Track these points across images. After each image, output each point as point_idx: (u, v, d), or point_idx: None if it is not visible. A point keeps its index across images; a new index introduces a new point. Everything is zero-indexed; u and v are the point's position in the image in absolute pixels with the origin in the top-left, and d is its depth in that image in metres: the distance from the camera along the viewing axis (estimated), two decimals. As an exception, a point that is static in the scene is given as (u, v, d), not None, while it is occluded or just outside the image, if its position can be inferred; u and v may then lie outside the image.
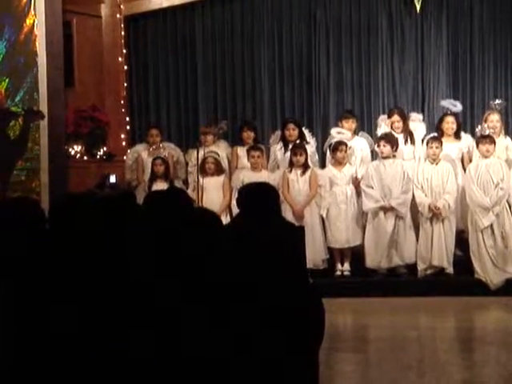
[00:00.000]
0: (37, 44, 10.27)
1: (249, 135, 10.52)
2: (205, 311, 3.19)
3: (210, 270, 3.31)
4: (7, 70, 10.27)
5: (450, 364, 6.85)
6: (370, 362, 7.19)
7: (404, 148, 10.19)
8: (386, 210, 9.71)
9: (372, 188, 9.77)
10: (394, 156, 9.91)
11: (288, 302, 3.60)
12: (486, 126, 10.00)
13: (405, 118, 10.35)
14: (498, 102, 10.28)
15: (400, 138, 10.15)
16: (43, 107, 10.30)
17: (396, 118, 10.30)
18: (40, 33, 10.25)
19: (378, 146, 9.94)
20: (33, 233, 3.64)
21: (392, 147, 9.85)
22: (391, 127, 10.27)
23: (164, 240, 3.40)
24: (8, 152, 10.26)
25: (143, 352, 3.09)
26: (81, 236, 3.48)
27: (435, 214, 9.65)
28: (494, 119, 10.04)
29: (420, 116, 10.75)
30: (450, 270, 9.74)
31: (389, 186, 9.76)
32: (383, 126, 10.44)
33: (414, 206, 9.83)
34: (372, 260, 9.80)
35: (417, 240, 9.81)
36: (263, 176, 9.64)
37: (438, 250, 9.67)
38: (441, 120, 10.30)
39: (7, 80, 10.27)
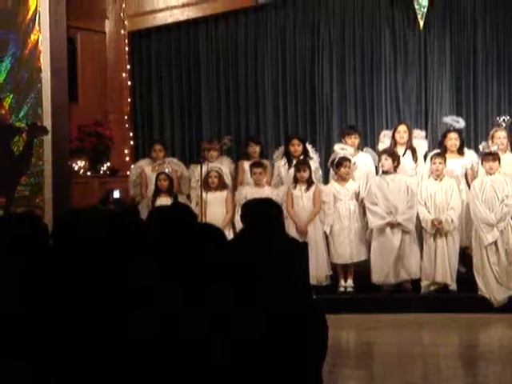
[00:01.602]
0: (41, 60, 10.30)
1: (254, 149, 10.53)
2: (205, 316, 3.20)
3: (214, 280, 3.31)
4: (11, 86, 10.29)
5: (454, 381, 6.83)
6: (374, 379, 7.17)
7: (403, 162, 10.17)
8: (393, 225, 9.70)
9: (376, 205, 9.76)
10: (395, 171, 9.91)
11: (291, 318, 3.59)
12: (490, 142, 9.99)
13: (410, 133, 10.37)
14: (504, 118, 10.26)
15: (400, 153, 10.15)
16: (47, 122, 10.32)
17: (403, 128, 10.31)
18: (44, 48, 10.29)
19: (380, 160, 9.95)
20: (36, 248, 3.64)
21: (393, 162, 9.85)
22: (395, 140, 10.26)
23: (167, 253, 3.40)
24: (12, 167, 10.27)
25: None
26: (83, 250, 3.48)
27: (438, 230, 9.64)
28: (501, 136, 10.03)
29: (423, 133, 10.76)
30: (453, 286, 9.72)
31: (393, 201, 9.75)
32: (386, 141, 10.45)
33: (418, 221, 9.82)
34: (379, 276, 9.77)
35: (421, 255, 9.79)
36: (266, 192, 9.65)
37: (442, 267, 9.65)
38: (444, 136, 10.29)
39: (11, 95, 10.30)
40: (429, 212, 9.73)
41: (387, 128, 11.03)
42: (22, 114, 10.33)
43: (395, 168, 9.88)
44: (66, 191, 10.46)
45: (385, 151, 9.98)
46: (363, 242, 9.96)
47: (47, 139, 10.33)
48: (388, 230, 9.74)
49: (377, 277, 9.78)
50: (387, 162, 9.83)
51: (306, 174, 9.93)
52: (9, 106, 10.31)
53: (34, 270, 3.45)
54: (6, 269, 3.49)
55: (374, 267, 9.79)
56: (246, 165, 10.46)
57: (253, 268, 3.45)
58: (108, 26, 11.72)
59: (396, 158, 9.91)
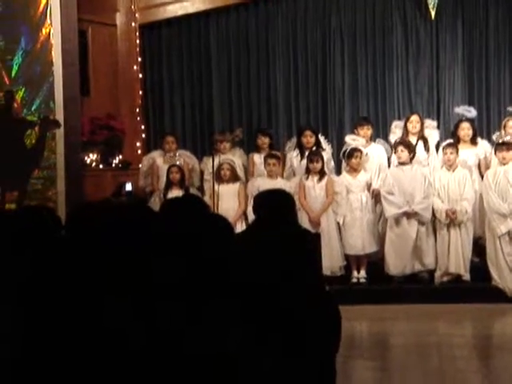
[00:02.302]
0: (53, 53, 10.31)
1: (263, 141, 10.53)
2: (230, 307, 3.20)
3: (231, 273, 3.31)
4: (23, 80, 10.31)
5: (468, 371, 6.82)
6: (387, 369, 7.16)
7: (418, 153, 10.16)
8: (409, 215, 9.68)
9: (392, 194, 9.74)
10: (411, 162, 9.88)
11: (304, 309, 3.59)
12: (503, 132, 9.96)
13: (422, 123, 10.35)
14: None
15: (413, 142, 10.13)
16: (59, 116, 10.34)
17: (415, 118, 10.29)
18: (56, 42, 10.30)
19: (396, 151, 9.92)
20: (49, 240, 3.65)
21: (409, 153, 9.83)
22: (407, 130, 10.24)
23: (183, 244, 3.39)
24: (24, 161, 10.30)
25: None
26: (96, 243, 3.48)
27: (452, 220, 9.62)
28: (513, 125, 10.01)
29: (434, 123, 10.73)
30: (466, 276, 9.69)
31: (410, 191, 9.73)
32: (397, 132, 10.43)
33: (432, 211, 9.79)
34: (395, 267, 9.74)
35: (435, 246, 9.77)
36: (279, 183, 9.63)
37: (455, 257, 9.63)
38: (456, 126, 10.26)
39: (23, 89, 10.32)
40: (442, 202, 9.70)
41: (399, 118, 11.00)
42: (34, 107, 10.35)
43: (411, 159, 9.86)
44: (78, 184, 10.49)
45: (401, 143, 9.94)
46: (375, 233, 9.94)
47: (59, 132, 10.35)
48: (404, 220, 9.71)
49: (393, 268, 9.75)
50: (404, 154, 9.80)
51: (318, 165, 9.91)
52: (21, 99, 10.33)
53: (46, 261, 3.46)
54: (17, 261, 3.49)
55: (389, 259, 9.76)
56: (257, 157, 10.46)
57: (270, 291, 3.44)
58: (119, 18, 11.73)
59: (412, 150, 9.89)
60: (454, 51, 11.46)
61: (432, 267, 9.78)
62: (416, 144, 10.19)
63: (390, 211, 9.71)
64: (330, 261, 9.50)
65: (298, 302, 3.60)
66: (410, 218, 9.69)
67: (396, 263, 9.74)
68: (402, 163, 9.85)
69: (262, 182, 9.78)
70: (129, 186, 10.33)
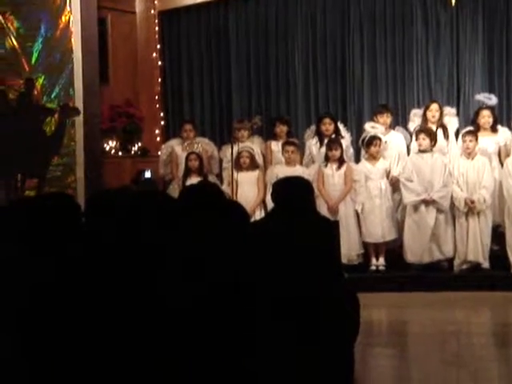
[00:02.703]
0: (72, 40, 10.35)
1: (282, 129, 10.51)
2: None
3: (244, 261, 3.31)
4: (43, 67, 10.36)
5: (487, 359, 6.81)
6: (406, 357, 7.16)
7: (438, 141, 10.13)
8: (428, 203, 9.66)
9: (411, 181, 9.72)
10: (432, 150, 9.85)
11: (323, 296, 3.60)
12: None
13: (441, 111, 10.31)
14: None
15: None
16: (79, 103, 10.38)
17: (435, 106, 10.26)
18: (75, 29, 10.34)
19: (417, 139, 9.88)
20: (69, 226, 3.67)
21: (431, 141, 9.80)
22: (426, 119, 10.20)
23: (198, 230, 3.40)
24: (44, 148, 10.35)
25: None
26: (118, 230, 3.49)
27: (471, 209, 9.59)
28: (533, 112, 9.96)
29: (453, 110, 10.68)
30: (485, 264, 9.67)
31: (429, 179, 9.70)
32: (416, 120, 10.39)
33: (450, 200, 9.76)
34: (413, 255, 9.73)
35: (454, 234, 9.75)
36: (297, 171, 9.62)
37: (474, 245, 9.60)
38: (477, 114, 10.21)
39: (43, 76, 10.37)
40: (461, 190, 9.67)
41: (418, 106, 10.95)
42: (53, 94, 10.40)
43: (432, 147, 9.83)
44: (97, 171, 10.54)
45: (422, 130, 9.90)
46: (394, 221, 9.93)
47: (79, 120, 10.40)
48: (423, 208, 9.69)
49: (411, 255, 9.75)
50: (425, 142, 9.77)
51: (337, 153, 9.90)
52: (41, 86, 10.38)
53: (68, 249, 3.48)
54: (39, 247, 3.52)
55: (407, 246, 9.75)
56: (274, 145, 10.46)
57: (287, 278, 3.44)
58: (138, 6, 11.75)
59: (434, 138, 9.85)
60: (474, 39, 11.38)
61: (450, 255, 9.76)
62: (435, 132, 10.15)
63: (409, 198, 9.69)
64: (348, 249, 9.49)
65: (315, 289, 3.60)
66: (429, 206, 9.67)
67: (414, 251, 9.73)
68: (422, 151, 9.82)
69: (281, 170, 9.78)
70: (148, 173, 10.36)
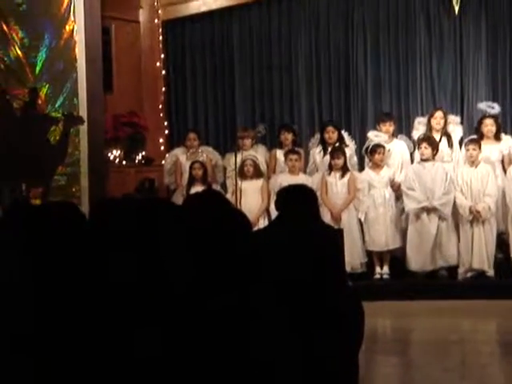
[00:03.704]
0: (76, 50, 10.37)
1: (286, 137, 10.52)
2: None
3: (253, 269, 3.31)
4: (47, 76, 10.38)
5: (492, 367, 6.80)
6: (410, 365, 7.16)
7: (442, 149, 10.13)
8: (429, 211, 9.65)
9: (413, 190, 9.73)
10: (434, 159, 9.86)
11: (327, 304, 3.60)
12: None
13: (446, 119, 10.32)
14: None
15: (437, 138, 10.10)
16: (83, 112, 10.40)
17: (440, 114, 10.26)
18: (79, 38, 10.35)
19: (419, 148, 9.89)
20: (73, 235, 3.68)
21: (433, 150, 9.81)
22: (430, 126, 10.21)
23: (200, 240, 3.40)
24: (49, 157, 10.37)
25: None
26: (115, 236, 3.50)
27: (475, 217, 9.59)
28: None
29: (457, 118, 10.69)
30: (490, 272, 9.66)
31: (430, 187, 9.71)
32: (420, 128, 10.40)
33: (454, 208, 9.77)
34: (415, 263, 9.73)
35: (458, 242, 9.74)
36: (301, 179, 9.63)
37: (479, 253, 9.60)
38: (480, 122, 10.23)
39: (47, 86, 10.39)
40: (465, 198, 9.67)
41: (422, 114, 10.96)
42: (58, 103, 10.42)
43: (434, 156, 9.84)
44: (101, 180, 10.54)
45: (424, 139, 9.90)
46: (398, 229, 9.93)
47: (83, 129, 10.41)
48: (425, 216, 9.69)
49: (413, 264, 9.75)
50: (427, 151, 9.78)
51: (340, 161, 9.91)
52: (45, 96, 10.40)
53: (73, 257, 3.49)
54: (47, 257, 3.52)
55: (410, 254, 9.76)
56: (279, 153, 10.47)
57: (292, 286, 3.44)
58: (142, 15, 11.78)
59: (436, 147, 9.87)
60: (477, 46, 11.39)
61: (454, 263, 9.75)
62: (440, 140, 10.16)
63: (410, 205, 9.70)
64: (351, 257, 9.49)
65: (319, 297, 3.60)
66: (430, 214, 9.67)
67: (416, 259, 9.73)
68: (424, 160, 9.82)
69: (284, 178, 9.79)
70: None
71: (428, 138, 9.93)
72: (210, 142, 11.51)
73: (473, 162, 9.75)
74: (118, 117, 11.24)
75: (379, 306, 8.70)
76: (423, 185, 9.74)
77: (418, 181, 9.75)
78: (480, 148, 9.78)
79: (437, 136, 10.18)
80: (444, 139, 10.24)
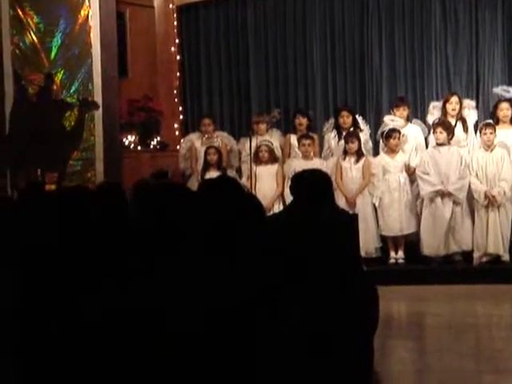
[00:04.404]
0: (91, 35, 10.39)
1: (301, 122, 10.50)
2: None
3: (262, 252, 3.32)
4: (63, 62, 10.41)
5: (507, 352, 6.79)
6: (425, 349, 7.16)
7: (457, 134, 10.09)
8: (443, 195, 9.63)
9: (428, 174, 9.71)
10: (449, 143, 9.83)
11: (342, 288, 3.61)
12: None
13: (461, 104, 10.27)
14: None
15: (452, 123, 10.06)
16: (98, 97, 10.42)
17: (455, 99, 10.21)
18: (94, 24, 10.37)
19: (435, 132, 9.86)
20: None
21: (448, 134, 9.78)
22: (445, 111, 10.17)
23: (217, 228, 3.41)
24: (64, 142, 10.40)
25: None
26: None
27: (491, 202, 9.56)
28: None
29: (473, 103, 10.63)
30: (506, 257, 9.64)
31: (445, 172, 9.68)
32: (435, 113, 10.36)
33: (469, 192, 9.74)
34: (429, 247, 9.73)
35: (472, 227, 9.73)
36: (315, 164, 9.62)
37: (494, 238, 9.58)
38: (495, 107, 10.18)
39: (62, 71, 10.42)
40: (481, 183, 9.64)
41: (437, 99, 10.92)
42: (73, 89, 10.45)
43: (449, 140, 9.81)
44: (117, 165, 10.57)
45: (439, 124, 9.87)
46: (413, 214, 9.91)
47: (98, 114, 10.44)
48: (439, 200, 9.67)
49: (427, 248, 9.74)
50: (442, 136, 9.75)
51: (354, 146, 9.90)
52: (60, 81, 10.43)
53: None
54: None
55: (424, 239, 9.75)
56: (293, 138, 10.45)
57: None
58: (157, 0, 11.76)
59: (451, 131, 9.83)
60: (493, 30, 11.32)
61: (468, 248, 9.74)
62: (455, 125, 10.13)
63: (426, 189, 9.68)
64: (366, 242, 9.47)
65: (334, 282, 3.61)
66: (445, 198, 9.65)
67: (430, 244, 9.72)
68: (439, 144, 9.80)
69: (298, 163, 9.78)
70: None
71: (443, 123, 9.89)
72: (225, 127, 11.50)
73: (488, 147, 9.71)
74: (133, 102, 11.25)
75: (394, 291, 8.70)
76: (438, 169, 9.71)
77: (433, 165, 9.72)
78: (495, 132, 9.75)
79: (452, 121, 10.14)
80: (459, 124, 10.20)
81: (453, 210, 9.67)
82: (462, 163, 9.70)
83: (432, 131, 10.01)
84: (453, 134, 9.87)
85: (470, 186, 9.71)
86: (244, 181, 9.76)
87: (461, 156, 9.74)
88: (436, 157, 9.76)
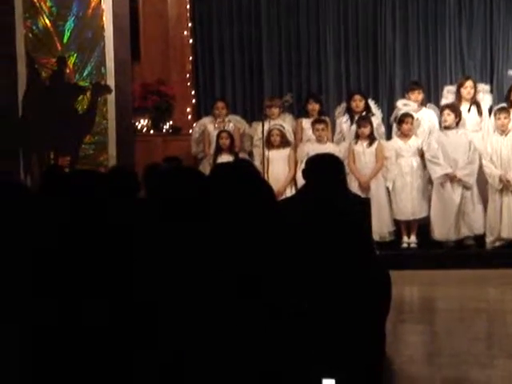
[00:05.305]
0: (104, 18, 10.37)
1: (314, 107, 10.49)
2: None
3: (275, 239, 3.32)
4: (75, 45, 10.40)
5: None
6: (437, 334, 7.16)
7: (468, 118, 10.05)
8: (453, 180, 9.61)
9: (437, 158, 9.68)
10: (457, 126, 9.79)
11: (354, 272, 3.61)
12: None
13: (475, 88, 10.22)
14: None
15: (465, 108, 10.02)
16: (110, 81, 10.41)
17: (470, 83, 10.16)
18: (107, 7, 10.35)
19: (442, 114, 9.83)
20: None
21: (456, 117, 9.74)
22: (460, 95, 10.11)
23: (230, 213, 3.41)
24: (76, 126, 10.41)
25: None
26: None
27: (505, 186, 9.54)
28: None
29: (487, 87, 10.59)
30: (519, 242, 9.63)
31: (454, 156, 9.66)
32: (449, 97, 10.31)
33: (480, 176, 9.71)
34: (439, 232, 9.72)
35: (484, 211, 9.71)
36: (328, 148, 9.61)
37: (508, 222, 9.56)
38: (510, 90, 10.13)
39: (75, 55, 10.41)
40: (495, 167, 9.61)
41: (451, 83, 10.87)
42: (85, 73, 10.44)
43: (457, 123, 9.77)
44: (129, 149, 10.57)
45: (447, 106, 9.86)
46: (425, 199, 9.90)
47: (111, 98, 10.43)
48: (448, 185, 9.65)
49: (438, 233, 9.73)
50: (450, 117, 9.72)
51: (366, 130, 9.88)
52: (73, 65, 10.43)
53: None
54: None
55: (434, 224, 9.74)
56: (305, 122, 10.44)
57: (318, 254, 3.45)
58: (169, -17, 11.73)
59: (459, 114, 9.79)
60: (508, 14, 11.26)
61: (479, 232, 9.72)
62: (469, 109, 10.09)
63: (437, 172, 9.65)
64: (379, 226, 9.48)
65: (347, 266, 3.61)
66: (454, 183, 9.63)
67: (440, 228, 9.71)
68: (447, 127, 9.76)
69: (311, 147, 9.77)
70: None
71: (451, 105, 9.86)
72: (238, 111, 11.49)
73: (503, 131, 9.68)
74: (146, 86, 11.24)
75: (406, 275, 8.70)
76: (446, 154, 9.68)
77: (442, 149, 9.69)
78: (510, 116, 9.70)
79: (466, 105, 10.10)
80: (473, 108, 10.16)
81: (463, 194, 9.66)
82: (470, 148, 9.67)
83: (440, 114, 9.99)
84: (460, 117, 9.83)
85: (481, 170, 9.68)
86: (256, 164, 9.75)
87: (469, 140, 9.71)
88: (443, 141, 9.73)
